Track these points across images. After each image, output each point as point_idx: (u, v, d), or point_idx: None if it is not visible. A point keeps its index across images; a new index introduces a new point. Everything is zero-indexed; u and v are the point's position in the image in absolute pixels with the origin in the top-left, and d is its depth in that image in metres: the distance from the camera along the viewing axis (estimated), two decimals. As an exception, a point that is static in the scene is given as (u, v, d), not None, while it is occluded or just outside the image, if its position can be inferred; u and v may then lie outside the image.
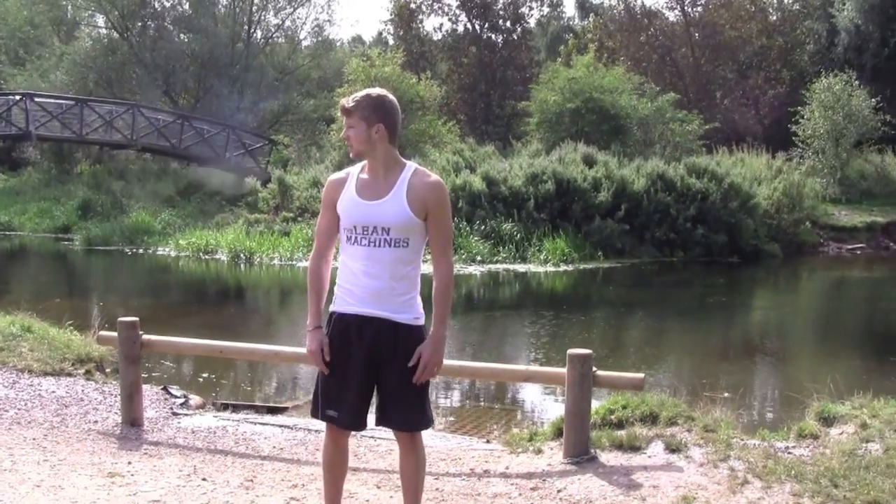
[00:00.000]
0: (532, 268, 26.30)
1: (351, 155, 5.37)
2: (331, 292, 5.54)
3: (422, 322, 5.43)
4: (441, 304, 5.41)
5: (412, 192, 5.25)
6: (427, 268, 5.10)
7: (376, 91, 5.36)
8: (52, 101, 39.82)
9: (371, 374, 5.36)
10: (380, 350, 5.30)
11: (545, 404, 12.04)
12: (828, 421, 7.96)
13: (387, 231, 5.23)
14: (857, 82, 39.24)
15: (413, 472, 5.60)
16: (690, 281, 26.04)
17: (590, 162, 31.46)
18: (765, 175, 33.01)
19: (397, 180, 5.28)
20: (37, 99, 38.60)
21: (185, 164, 43.16)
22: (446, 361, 5.85)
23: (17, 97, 38.67)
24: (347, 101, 5.30)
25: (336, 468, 5.71)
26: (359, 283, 5.32)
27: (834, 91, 38.54)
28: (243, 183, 36.69)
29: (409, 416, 5.42)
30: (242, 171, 39.04)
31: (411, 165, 5.39)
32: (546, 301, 22.39)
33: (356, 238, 5.29)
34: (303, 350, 5.52)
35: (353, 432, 5.77)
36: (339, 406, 5.40)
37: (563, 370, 7.56)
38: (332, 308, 5.47)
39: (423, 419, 5.49)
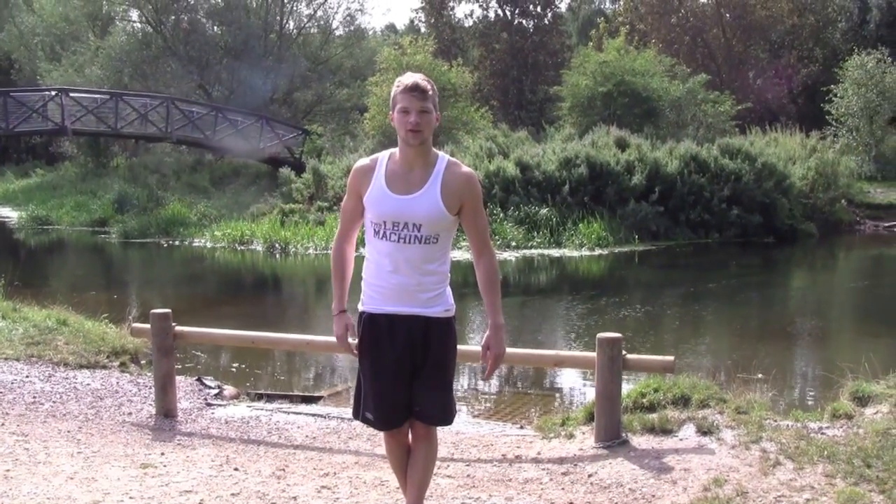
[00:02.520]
0: (567, 252, 26.24)
1: (413, 143, 5.03)
2: (358, 287, 5.43)
3: (453, 313, 5.33)
4: (492, 294, 5.37)
5: (446, 187, 5.09)
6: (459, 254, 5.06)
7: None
8: (88, 95, 40.03)
9: (405, 372, 5.23)
10: (413, 347, 5.19)
11: (583, 389, 12.03)
12: (862, 401, 7.90)
13: (418, 227, 5.06)
14: (889, 59, 39.05)
15: (423, 464, 5.49)
16: (726, 262, 25.96)
17: (622, 145, 31.37)
18: (799, 154, 32.85)
19: (431, 173, 5.11)
20: (72, 94, 38.91)
21: (220, 157, 43.40)
22: (475, 347, 5.83)
23: (53, 92, 38.92)
24: (423, 82, 5.00)
25: (399, 460, 5.60)
26: (386, 280, 5.17)
27: (867, 68, 38.39)
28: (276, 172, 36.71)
29: (432, 410, 5.34)
30: (276, 162, 39.07)
31: (444, 157, 5.19)
32: (581, 285, 22.37)
33: (384, 233, 5.11)
34: (334, 339, 5.43)
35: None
36: (376, 408, 5.30)
37: (593, 354, 7.55)
38: (360, 307, 5.34)
39: (444, 415, 5.41)
